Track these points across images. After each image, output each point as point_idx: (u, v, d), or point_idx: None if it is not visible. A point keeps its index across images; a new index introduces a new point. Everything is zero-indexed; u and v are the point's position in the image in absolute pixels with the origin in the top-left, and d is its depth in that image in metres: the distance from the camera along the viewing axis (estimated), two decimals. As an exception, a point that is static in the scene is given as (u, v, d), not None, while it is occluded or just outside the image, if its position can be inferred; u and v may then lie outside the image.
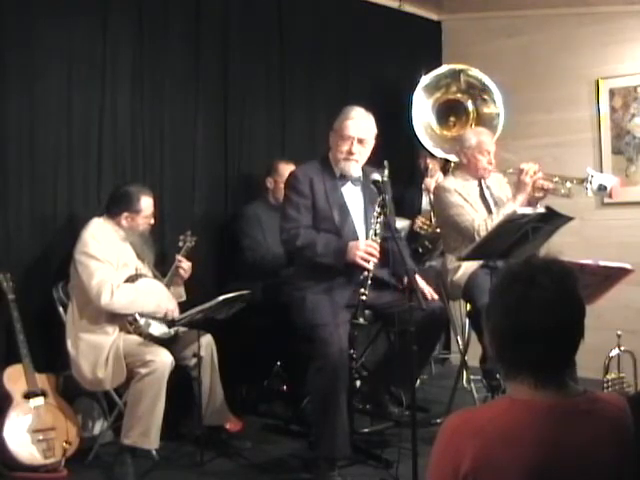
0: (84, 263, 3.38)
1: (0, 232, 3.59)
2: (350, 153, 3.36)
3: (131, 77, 4.06)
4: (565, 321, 1.45)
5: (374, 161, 3.52)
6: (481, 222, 3.74)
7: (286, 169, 4.05)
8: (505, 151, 4.64)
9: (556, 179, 3.73)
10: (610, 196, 3.70)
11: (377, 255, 3.23)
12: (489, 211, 3.88)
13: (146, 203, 3.59)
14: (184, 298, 3.75)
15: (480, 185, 3.98)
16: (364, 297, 3.17)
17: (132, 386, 3.28)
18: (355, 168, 3.40)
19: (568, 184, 3.68)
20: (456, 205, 3.85)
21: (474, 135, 4.01)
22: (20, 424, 3.22)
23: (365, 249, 3.22)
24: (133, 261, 3.56)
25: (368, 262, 3.21)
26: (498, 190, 4.02)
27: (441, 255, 4.52)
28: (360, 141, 3.37)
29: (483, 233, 3.63)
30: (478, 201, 3.93)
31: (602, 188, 3.61)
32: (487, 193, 3.98)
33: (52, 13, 3.72)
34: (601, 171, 4.89)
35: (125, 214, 3.54)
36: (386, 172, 3.42)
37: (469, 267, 3.76)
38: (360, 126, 3.37)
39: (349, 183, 3.44)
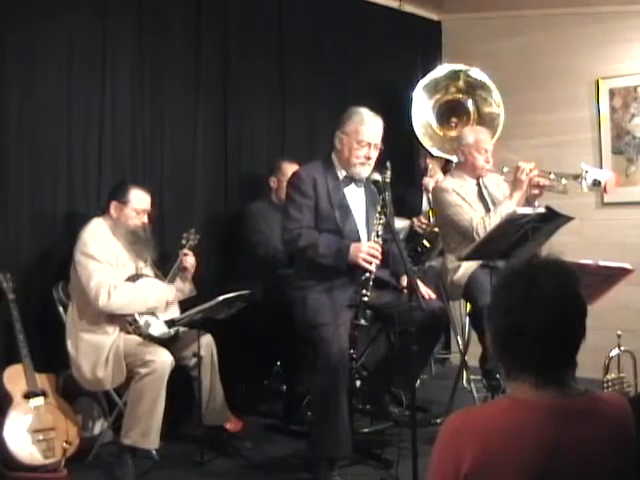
0: (83, 264, 3.38)
1: (0, 232, 3.59)
2: (368, 158, 3.40)
3: (131, 77, 4.06)
4: (566, 321, 1.45)
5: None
6: (479, 221, 3.75)
7: (290, 169, 4.05)
8: (506, 151, 4.65)
9: (552, 176, 3.73)
10: (605, 190, 3.71)
11: (379, 257, 3.23)
12: (487, 210, 3.89)
13: (136, 195, 3.56)
14: (194, 293, 3.76)
15: (478, 184, 3.99)
16: (366, 298, 3.19)
17: (132, 386, 3.28)
18: (368, 171, 3.43)
19: (564, 180, 3.69)
20: (454, 205, 3.86)
21: (472, 133, 4.03)
22: (20, 424, 3.21)
23: (367, 251, 3.22)
24: (133, 260, 3.56)
25: (370, 264, 3.21)
26: (496, 190, 4.03)
27: (440, 255, 4.52)
28: (375, 146, 3.41)
29: (481, 231, 3.65)
30: (476, 200, 3.93)
31: (596, 183, 3.62)
32: (485, 192, 3.99)
33: (52, 13, 3.73)
34: (601, 171, 4.90)
35: (114, 203, 3.53)
36: (388, 173, 3.43)
37: (469, 267, 3.76)
38: (375, 131, 3.41)
39: (352, 184, 3.45)
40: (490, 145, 3.99)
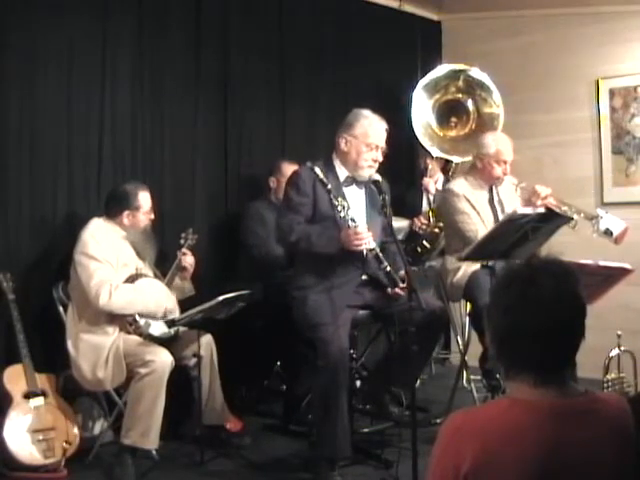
0: (83, 264, 3.38)
1: (0, 232, 3.59)
2: (375, 161, 3.41)
3: (131, 77, 4.06)
4: (565, 321, 1.45)
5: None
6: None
7: (289, 169, 4.05)
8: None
9: (565, 208, 3.68)
10: (616, 242, 3.69)
11: (367, 234, 3.22)
12: (496, 217, 3.86)
13: (144, 198, 3.59)
14: (193, 292, 3.77)
15: (491, 190, 3.96)
16: (388, 268, 3.26)
17: (132, 386, 3.28)
18: (372, 173, 3.42)
19: (575, 215, 3.65)
20: (462, 212, 3.84)
21: (493, 142, 3.92)
22: (20, 424, 3.21)
23: (354, 238, 3.20)
24: (133, 261, 3.56)
25: (366, 244, 3.22)
26: (509, 196, 3.97)
27: (440, 255, 4.52)
28: (382, 149, 3.42)
29: None
30: (486, 207, 3.90)
31: (608, 232, 3.61)
32: (496, 199, 3.96)
33: (52, 13, 3.72)
34: (601, 172, 4.90)
35: (126, 212, 3.54)
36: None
37: (469, 268, 3.75)
38: (382, 134, 3.42)
39: (353, 185, 3.45)
40: (511, 155, 3.89)
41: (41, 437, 3.23)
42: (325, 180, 3.36)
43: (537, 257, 1.56)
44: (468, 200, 3.86)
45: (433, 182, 4.86)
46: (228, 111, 4.49)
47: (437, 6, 5.62)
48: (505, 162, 3.88)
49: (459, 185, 3.98)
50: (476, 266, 3.71)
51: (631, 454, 1.46)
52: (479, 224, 3.80)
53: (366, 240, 3.21)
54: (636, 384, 3.48)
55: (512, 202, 3.94)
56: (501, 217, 3.85)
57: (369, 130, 3.39)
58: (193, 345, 3.46)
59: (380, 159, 3.42)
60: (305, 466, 3.34)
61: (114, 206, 3.57)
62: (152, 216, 3.65)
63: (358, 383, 3.66)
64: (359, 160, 3.39)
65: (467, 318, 4.23)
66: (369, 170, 3.40)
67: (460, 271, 3.79)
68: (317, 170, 3.37)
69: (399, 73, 5.32)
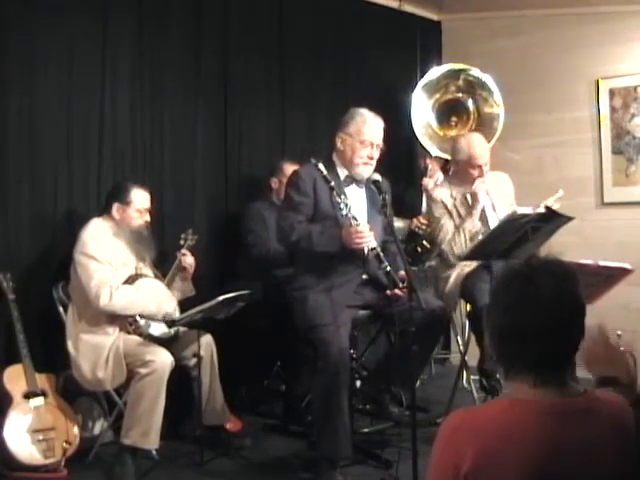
0: (83, 264, 3.38)
1: (0, 232, 3.59)
2: (371, 158, 3.40)
3: (131, 77, 4.06)
4: (564, 320, 1.45)
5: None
6: (446, 245, 3.83)
7: (291, 169, 4.04)
8: (506, 151, 4.64)
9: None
10: None
11: (369, 233, 3.21)
12: (482, 217, 3.86)
13: (137, 195, 3.56)
14: (193, 293, 3.77)
15: None
16: (388, 268, 3.24)
17: (132, 386, 3.28)
18: (370, 171, 3.42)
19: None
20: (435, 218, 3.91)
21: (466, 147, 3.90)
22: (20, 424, 3.21)
23: (355, 236, 3.20)
24: (133, 260, 3.56)
25: (364, 243, 3.21)
26: (498, 191, 3.97)
27: (439, 255, 4.51)
28: (377, 146, 3.42)
29: (451, 257, 3.79)
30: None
31: None
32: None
33: (52, 13, 3.72)
34: (601, 172, 4.90)
35: (116, 205, 3.52)
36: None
37: (458, 276, 3.74)
38: (377, 131, 3.42)
39: (353, 185, 3.45)
40: (485, 158, 3.87)
41: (41, 437, 3.23)
42: (328, 177, 3.35)
43: (537, 257, 1.56)
44: (445, 206, 3.89)
45: (433, 182, 4.86)
46: (228, 111, 4.49)
47: (437, 6, 5.62)
48: (480, 166, 3.86)
49: (438, 190, 4.03)
50: (465, 271, 3.71)
51: (631, 454, 1.46)
52: (447, 232, 3.83)
53: (368, 239, 3.21)
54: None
55: (502, 197, 3.94)
56: (488, 213, 3.86)
57: (363, 127, 3.39)
58: (193, 345, 3.46)
59: (376, 156, 3.41)
60: (305, 466, 3.34)
61: (107, 199, 3.59)
62: (148, 218, 3.61)
63: (358, 383, 3.66)
64: (354, 158, 3.39)
65: (467, 319, 4.23)
66: (364, 167, 3.40)
67: (451, 279, 3.77)
68: (321, 166, 3.37)
69: (399, 73, 5.32)
